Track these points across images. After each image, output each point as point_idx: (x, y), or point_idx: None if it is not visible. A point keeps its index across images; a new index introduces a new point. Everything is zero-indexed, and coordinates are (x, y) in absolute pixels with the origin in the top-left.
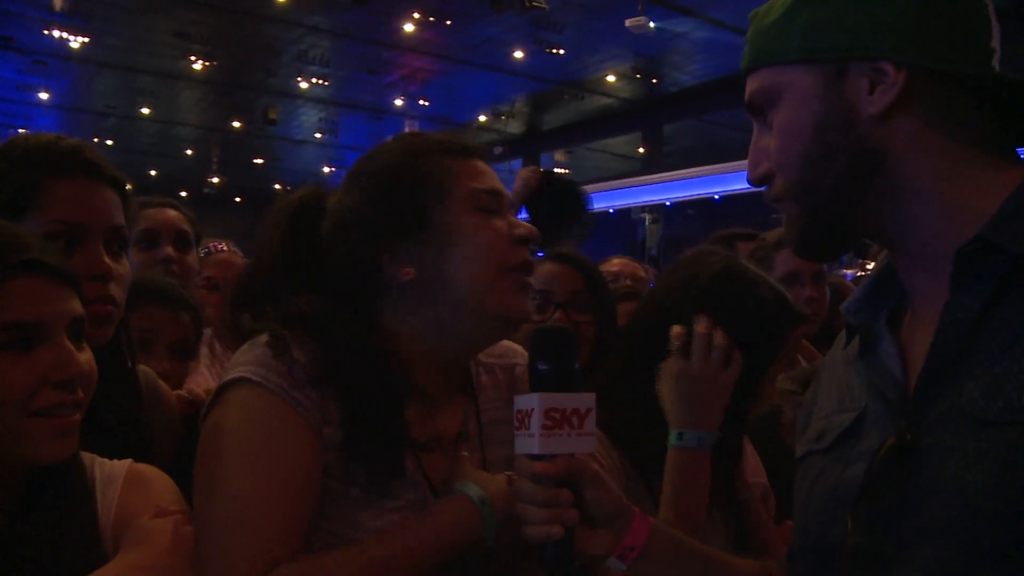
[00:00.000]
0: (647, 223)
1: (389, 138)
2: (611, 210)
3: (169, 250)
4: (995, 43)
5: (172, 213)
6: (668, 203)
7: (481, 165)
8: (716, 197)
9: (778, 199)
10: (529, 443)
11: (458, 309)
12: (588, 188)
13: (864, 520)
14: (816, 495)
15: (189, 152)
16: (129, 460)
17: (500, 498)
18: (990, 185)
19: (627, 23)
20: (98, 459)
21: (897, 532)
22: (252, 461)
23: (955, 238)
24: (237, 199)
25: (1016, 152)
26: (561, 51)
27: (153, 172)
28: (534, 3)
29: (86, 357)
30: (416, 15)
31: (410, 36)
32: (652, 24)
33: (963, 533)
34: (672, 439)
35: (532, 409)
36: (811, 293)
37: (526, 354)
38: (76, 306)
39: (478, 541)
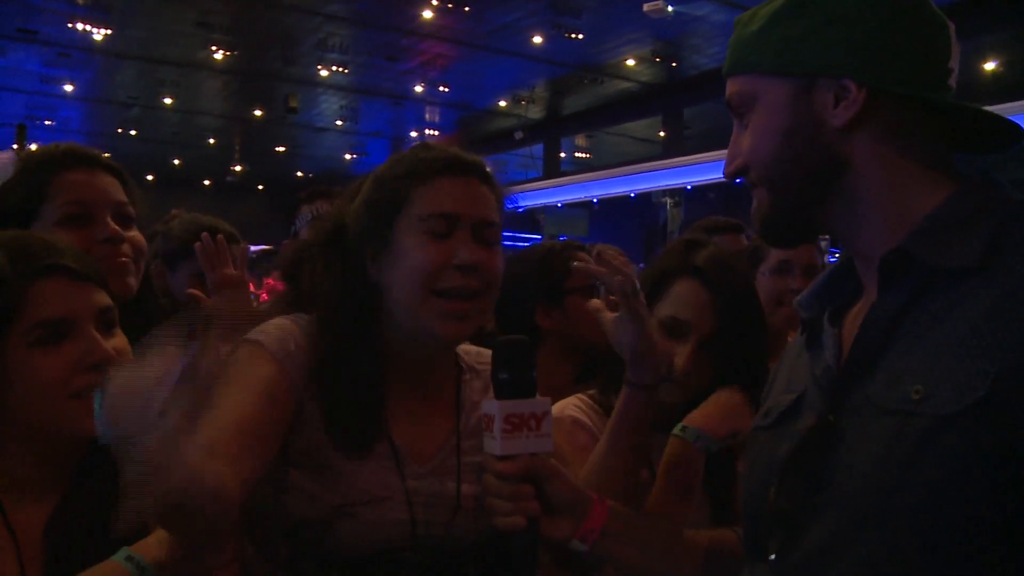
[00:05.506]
0: (668, 207)
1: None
2: (632, 195)
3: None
4: (953, 63)
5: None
6: (688, 187)
7: (448, 186)
8: (737, 181)
9: (753, 187)
10: (493, 445)
11: (400, 316)
12: (608, 172)
13: (787, 489)
14: (756, 466)
15: (212, 141)
16: None
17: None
18: (925, 200)
19: (645, 7)
20: None
21: (813, 500)
22: (233, 381)
23: (888, 244)
24: (259, 187)
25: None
26: (580, 36)
27: (176, 161)
28: None
29: (115, 342)
30: (434, 1)
31: (428, 22)
32: (670, 8)
33: (852, 503)
34: (687, 435)
35: (494, 415)
36: (801, 284)
37: None
38: (101, 298)
39: None
